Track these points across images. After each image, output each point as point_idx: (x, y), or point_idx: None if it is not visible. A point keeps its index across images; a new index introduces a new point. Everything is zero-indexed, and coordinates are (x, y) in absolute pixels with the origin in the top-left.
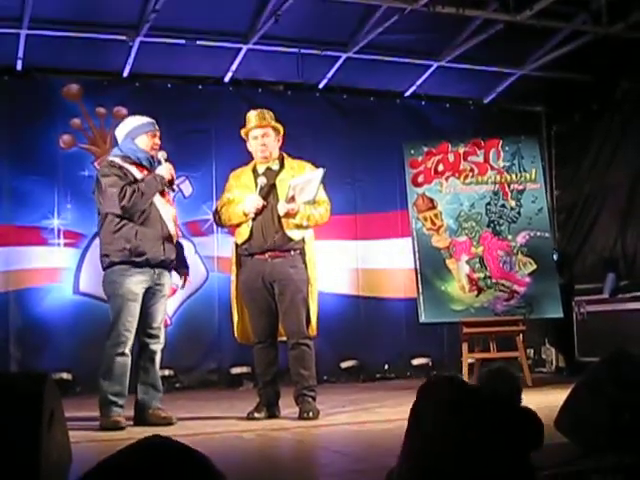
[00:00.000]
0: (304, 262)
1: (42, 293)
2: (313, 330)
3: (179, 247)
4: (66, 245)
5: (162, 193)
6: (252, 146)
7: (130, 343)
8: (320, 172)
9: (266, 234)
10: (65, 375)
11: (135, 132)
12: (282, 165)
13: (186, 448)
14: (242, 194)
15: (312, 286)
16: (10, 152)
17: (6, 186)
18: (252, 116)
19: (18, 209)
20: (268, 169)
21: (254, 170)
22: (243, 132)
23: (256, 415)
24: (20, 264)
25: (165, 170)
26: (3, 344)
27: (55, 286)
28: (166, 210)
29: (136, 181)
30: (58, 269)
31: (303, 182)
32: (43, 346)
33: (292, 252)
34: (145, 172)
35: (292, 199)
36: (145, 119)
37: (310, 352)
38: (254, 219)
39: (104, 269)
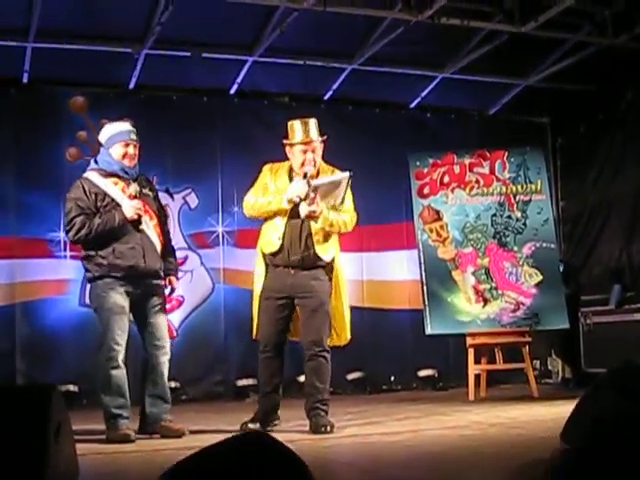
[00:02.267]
0: (327, 274)
1: (48, 305)
2: (341, 339)
3: (168, 249)
4: (72, 257)
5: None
6: (297, 157)
7: (122, 355)
8: (345, 175)
9: (292, 252)
10: (71, 387)
11: (110, 142)
12: (317, 173)
13: (287, 450)
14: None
15: (343, 296)
16: (16, 165)
17: (12, 198)
18: (298, 129)
19: (24, 221)
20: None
21: (290, 175)
22: (287, 142)
23: (250, 426)
24: (26, 276)
25: (129, 209)
26: (9, 356)
27: (61, 298)
28: (146, 220)
29: (97, 211)
30: (64, 281)
31: (326, 184)
32: (49, 358)
33: (316, 267)
34: (120, 184)
35: (313, 200)
36: (121, 127)
37: (327, 365)
38: (284, 234)
39: (88, 282)
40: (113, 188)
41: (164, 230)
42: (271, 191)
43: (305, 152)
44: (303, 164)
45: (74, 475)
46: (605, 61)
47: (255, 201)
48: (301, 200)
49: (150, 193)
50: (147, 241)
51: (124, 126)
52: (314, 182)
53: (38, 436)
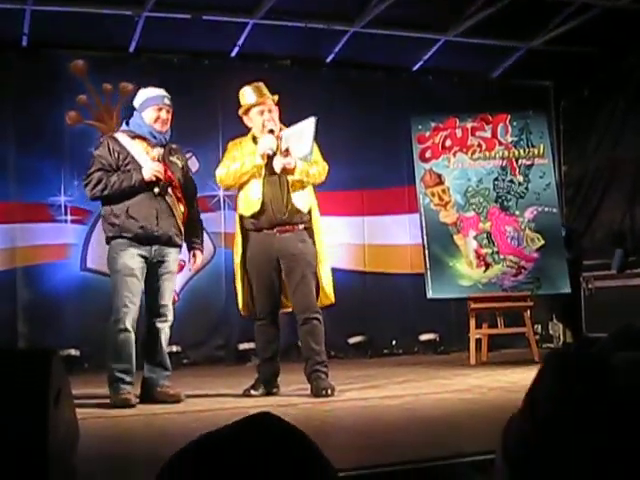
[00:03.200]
0: (311, 236)
1: (49, 270)
2: (331, 298)
3: (193, 222)
4: (73, 222)
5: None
6: (256, 121)
7: (130, 318)
8: (312, 121)
9: (275, 209)
10: (73, 351)
11: (143, 105)
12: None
13: (296, 432)
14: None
15: (323, 256)
16: (16, 129)
17: (13, 163)
18: (250, 93)
19: (25, 186)
20: None
21: (255, 142)
22: (242, 110)
23: (252, 392)
24: (27, 241)
25: (148, 171)
26: (11, 321)
27: (62, 263)
28: (165, 185)
29: (117, 169)
30: (65, 246)
31: (296, 132)
32: (51, 323)
33: (299, 226)
34: (148, 147)
35: (287, 152)
36: (156, 92)
37: (321, 327)
38: (264, 193)
39: (106, 243)
40: (137, 149)
41: (189, 201)
42: (240, 157)
43: (262, 112)
44: (264, 125)
45: (74, 439)
46: (608, 24)
47: (227, 169)
48: (274, 154)
49: (178, 162)
50: (164, 205)
51: (158, 91)
52: (283, 133)
53: (38, 401)
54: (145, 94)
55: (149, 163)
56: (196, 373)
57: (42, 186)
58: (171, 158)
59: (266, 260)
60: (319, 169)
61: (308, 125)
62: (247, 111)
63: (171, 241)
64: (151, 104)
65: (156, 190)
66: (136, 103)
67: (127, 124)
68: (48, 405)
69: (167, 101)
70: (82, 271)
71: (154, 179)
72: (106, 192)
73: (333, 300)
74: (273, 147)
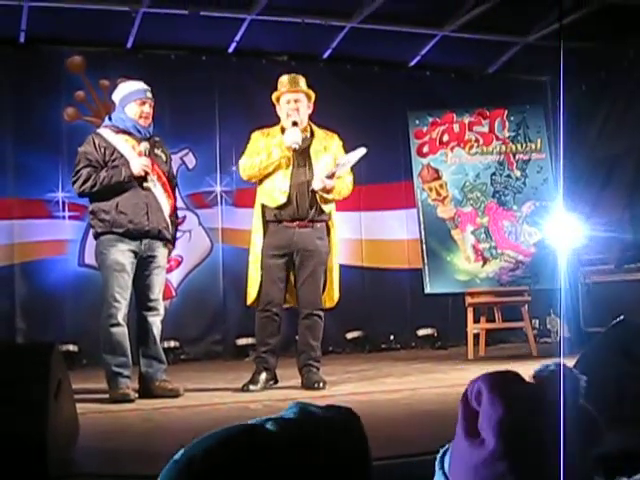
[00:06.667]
0: (328, 234)
1: (48, 266)
2: (334, 301)
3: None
4: (71, 218)
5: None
6: (282, 110)
7: (122, 313)
8: (363, 151)
9: (300, 205)
10: (71, 347)
11: (125, 100)
12: (312, 134)
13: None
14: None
15: (334, 257)
16: (14, 125)
17: (10, 159)
18: (284, 80)
19: (22, 182)
20: None
21: (283, 132)
22: (274, 96)
23: (251, 387)
24: (25, 237)
25: (137, 165)
26: (9, 317)
27: (60, 258)
28: (153, 179)
29: (105, 165)
30: (63, 241)
31: (347, 161)
32: (49, 318)
33: (318, 224)
34: (132, 141)
35: (333, 175)
36: (137, 86)
37: (321, 324)
38: (290, 186)
39: (94, 239)
40: (123, 144)
41: (174, 194)
42: (266, 147)
43: (289, 102)
44: (288, 115)
45: (74, 433)
46: (606, 18)
47: (253, 160)
48: (301, 148)
49: (162, 155)
50: (152, 199)
51: (139, 85)
52: (339, 160)
53: (38, 394)
54: (126, 88)
55: (137, 158)
56: (194, 368)
57: (40, 182)
58: (156, 151)
59: (282, 252)
60: (348, 184)
61: (358, 155)
62: (278, 99)
63: (160, 235)
64: (133, 98)
65: (147, 185)
66: (116, 97)
67: (110, 119)
68: (48, 398)
69: (149, 94)
70: (80, 267)
71: (143, 174)
72: (95, 188)
73: (334, 303)
74: (299, 141)
